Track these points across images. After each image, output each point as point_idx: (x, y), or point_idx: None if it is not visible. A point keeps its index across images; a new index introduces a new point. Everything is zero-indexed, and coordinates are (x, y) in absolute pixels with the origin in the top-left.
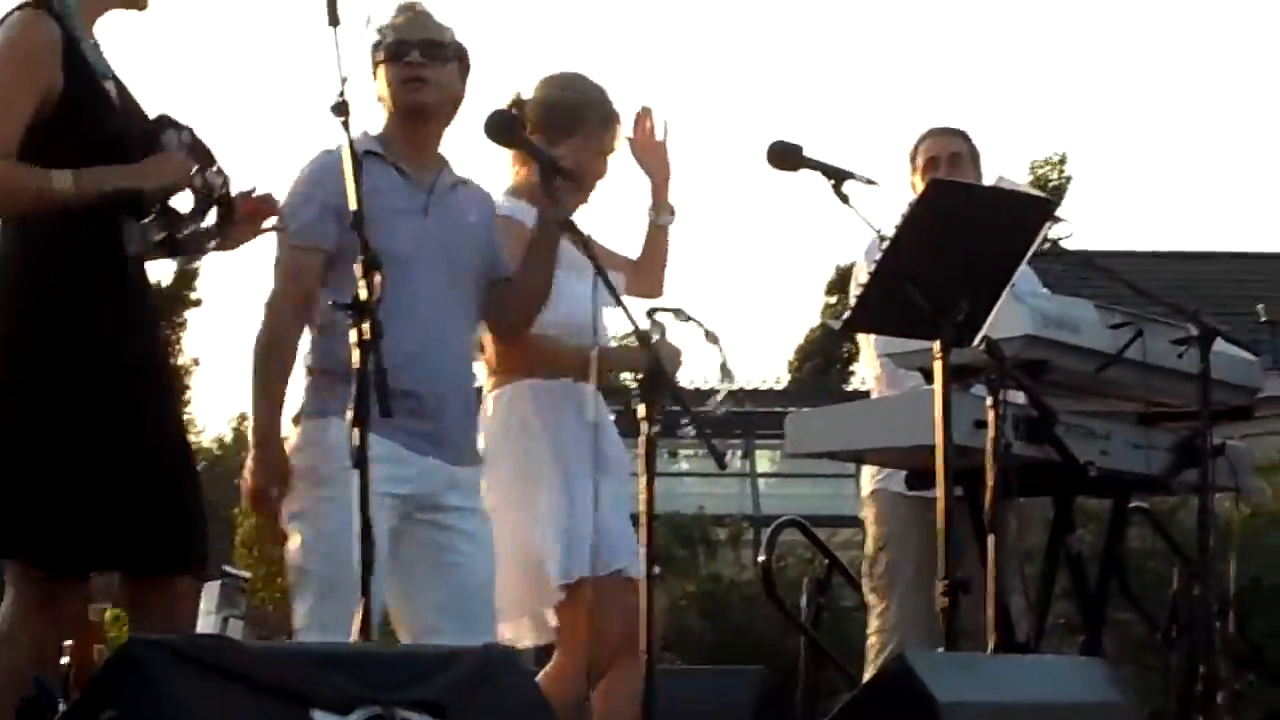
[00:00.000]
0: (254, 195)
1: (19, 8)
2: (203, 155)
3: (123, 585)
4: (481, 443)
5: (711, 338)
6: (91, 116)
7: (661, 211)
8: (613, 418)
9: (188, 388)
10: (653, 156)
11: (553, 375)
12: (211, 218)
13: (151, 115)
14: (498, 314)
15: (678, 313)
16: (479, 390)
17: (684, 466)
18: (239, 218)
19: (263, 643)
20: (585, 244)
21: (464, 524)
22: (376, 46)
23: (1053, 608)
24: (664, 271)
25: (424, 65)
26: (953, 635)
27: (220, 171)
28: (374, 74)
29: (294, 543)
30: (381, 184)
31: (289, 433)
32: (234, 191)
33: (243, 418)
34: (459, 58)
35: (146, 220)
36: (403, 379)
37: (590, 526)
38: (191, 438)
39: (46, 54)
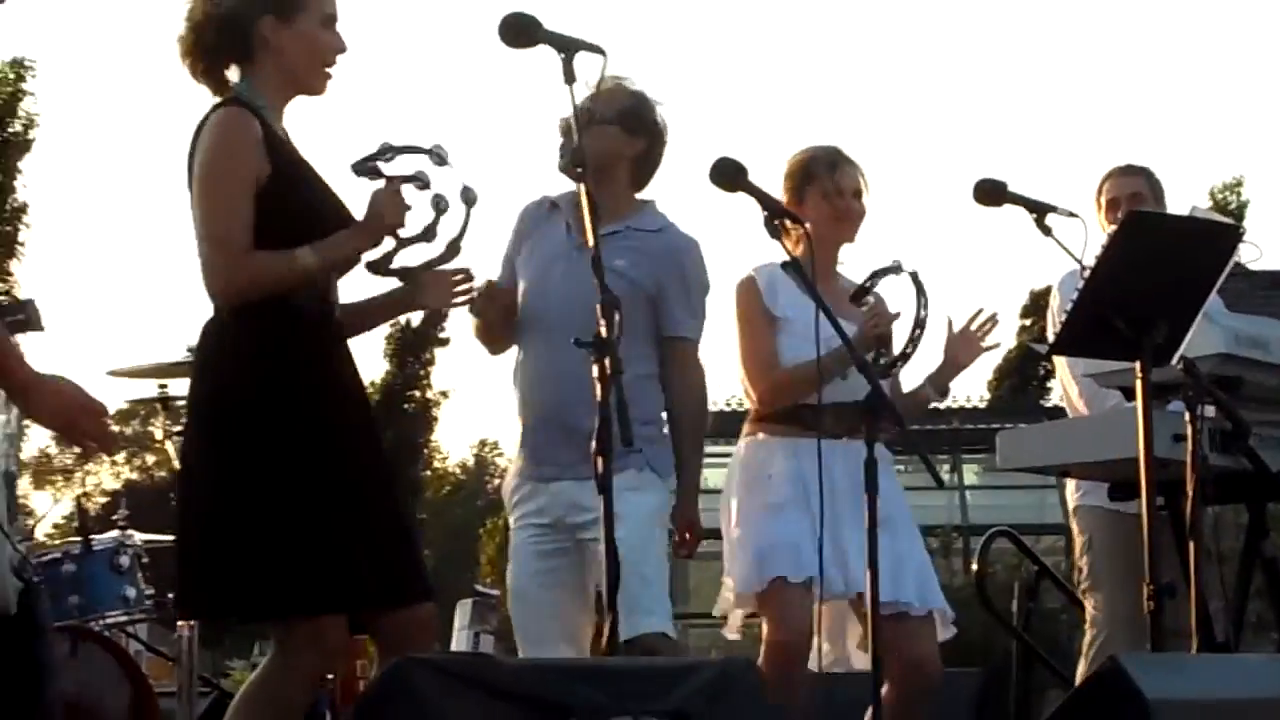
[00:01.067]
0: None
1: (218, 106)
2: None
3: (370, 620)
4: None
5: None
6: (294, 194)
7: (938, 390)
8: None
9: (435, 419)
10: (965, 349)
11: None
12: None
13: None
14: (662, 371)
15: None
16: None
17: None
18: (461, 242)
19: (519, 658)
20: (811, 285)
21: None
22: None
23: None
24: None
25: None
26: (1158, 637)
27: (439, 198)
28: None
29: None
30: (548, 231)
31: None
32: (452, 209)
33: (483, 444)
34: (621, 120)
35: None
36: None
37: (791, 544)
38: (437, 463)
39: (253, 146)
